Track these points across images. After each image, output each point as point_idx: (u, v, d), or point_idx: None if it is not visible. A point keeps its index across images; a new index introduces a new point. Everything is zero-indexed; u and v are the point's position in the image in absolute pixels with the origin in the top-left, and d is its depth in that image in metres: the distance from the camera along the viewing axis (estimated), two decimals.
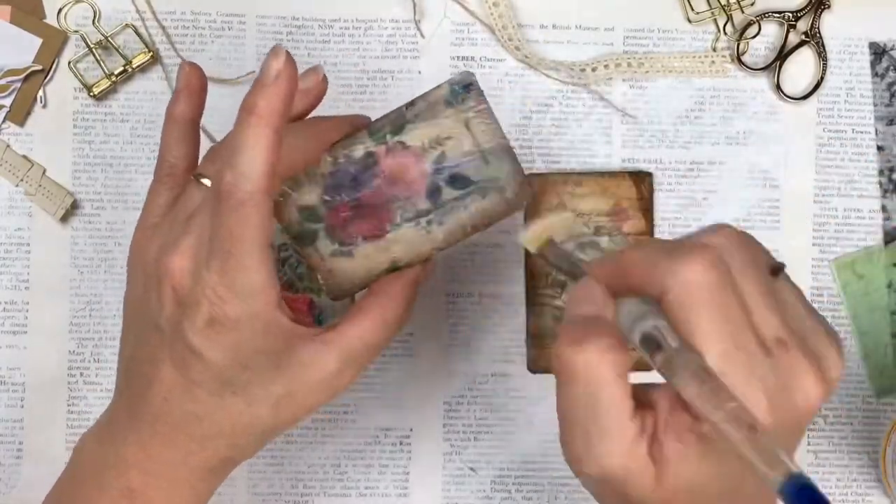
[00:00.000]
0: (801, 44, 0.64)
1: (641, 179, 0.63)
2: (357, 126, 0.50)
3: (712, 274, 0.37)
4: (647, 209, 0.62)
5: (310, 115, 0.51)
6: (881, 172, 0.64)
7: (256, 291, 0.45)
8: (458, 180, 0.50)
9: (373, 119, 0.51)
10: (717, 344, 0.37)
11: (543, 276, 0.62)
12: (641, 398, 0.39)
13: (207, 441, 0.47)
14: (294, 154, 0.48)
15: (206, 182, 0.48)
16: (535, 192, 0.51)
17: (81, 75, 0.63)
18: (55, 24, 0.63)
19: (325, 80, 0.50)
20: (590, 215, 0.61)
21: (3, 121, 0.63)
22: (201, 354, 0.46)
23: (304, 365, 0.47)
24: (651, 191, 0.63)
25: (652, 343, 0.38)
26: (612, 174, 0.62)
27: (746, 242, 0.40)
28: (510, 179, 0.50)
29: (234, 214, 0.44)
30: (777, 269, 0.40)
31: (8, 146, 0.63)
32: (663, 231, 0.64)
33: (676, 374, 0.37)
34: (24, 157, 0.63)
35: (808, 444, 0.64)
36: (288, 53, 0.45)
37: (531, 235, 0.46)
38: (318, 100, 0.51)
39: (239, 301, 0.45)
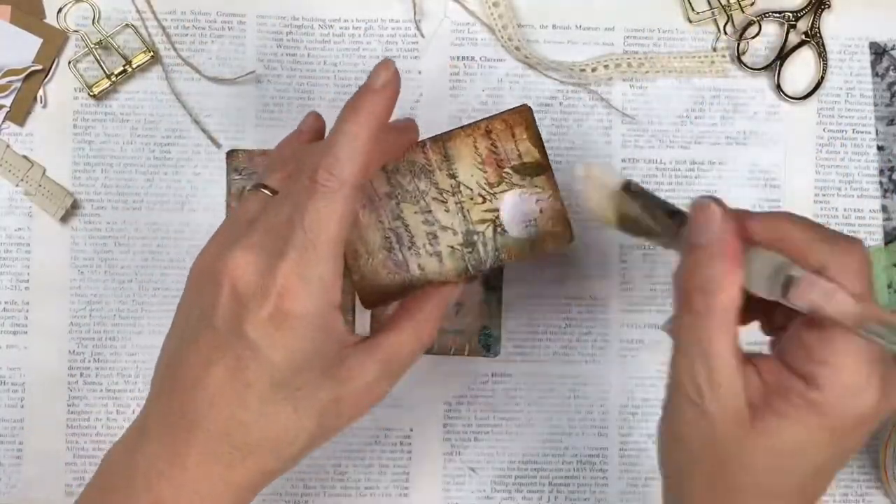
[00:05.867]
0: (801, 44, 0.64)
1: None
2: (407, 134, 0.51)
3: (866, 264, 0.43)
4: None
5: None
6: (881, 172, 0.64)
7: (326, 286, 0.45)
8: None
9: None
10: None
11: None
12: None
13: (250, 451, 0.46)
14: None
15: (266, 192, 0.48)
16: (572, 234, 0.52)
17: (81, 75, 0.63)
18: (55, 24, 0.63)
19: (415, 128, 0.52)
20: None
21: (3, 121, 0.63)
22: (259, 350, 0.44)
23: (349, 370, 0.47)
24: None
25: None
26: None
27: None
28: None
29: (325, 202, 0.44)
30: None
31: (8, 146, 0.63)
32: None
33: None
34: (24, 157, 0.63)
35: None
36: (396, 68, 0.47)
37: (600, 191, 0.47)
38: (407, 146, 0.52)
39: (307, 295, 0.44)
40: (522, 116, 0.51)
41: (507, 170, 0.51)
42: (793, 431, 0.43)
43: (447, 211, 0.51)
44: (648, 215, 0.46)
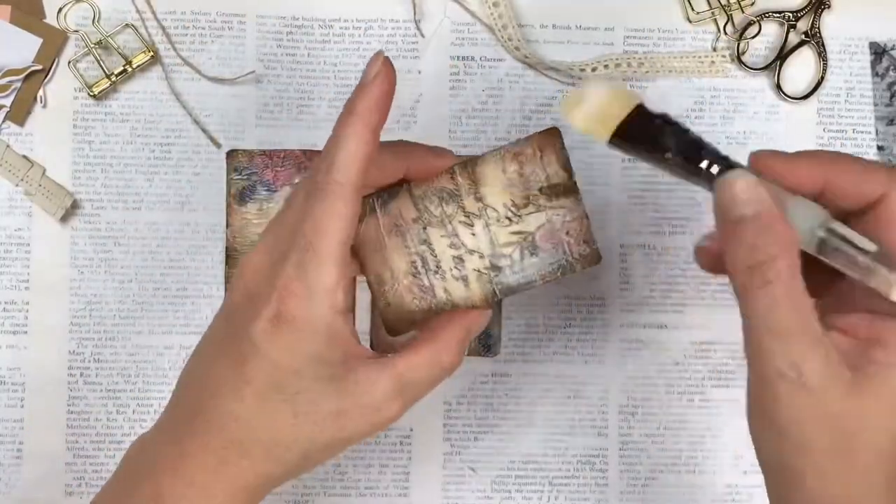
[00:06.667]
0: (801, 44, 0.64)
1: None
2: (438, 159, 0.51)
3: None
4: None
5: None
6: None
7: (328, 290, 0.45)
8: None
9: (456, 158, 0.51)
10: None
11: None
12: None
13: (245, 450, 0.46)
14: (377, 170, 0.49)
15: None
16: (600, 256, 0.51)
17: (81, 75, 0.63)
18: (55, 24, 0.63)
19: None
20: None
21: (3, 121, 0.63)
22: (259, 349, 0.45)
23: (357, 383, 0.46)
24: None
25: (842, 244, 0.40)
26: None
27: None
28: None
29: (322, 204, 0.44)
30: None
31: (8, 146, 0.63)
32: (662, 236, 0.64)
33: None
34: (24, 157, 0.63)
35: None
36: (387, 57, 0.46)
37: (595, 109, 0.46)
38: (439, 169, 0.51)
39: (306, 298, 0.44)
40: (551, 139, 0.51)
41: (534, 192, 0.51)
42: None
43: (473, 234, 0.50)
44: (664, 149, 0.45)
